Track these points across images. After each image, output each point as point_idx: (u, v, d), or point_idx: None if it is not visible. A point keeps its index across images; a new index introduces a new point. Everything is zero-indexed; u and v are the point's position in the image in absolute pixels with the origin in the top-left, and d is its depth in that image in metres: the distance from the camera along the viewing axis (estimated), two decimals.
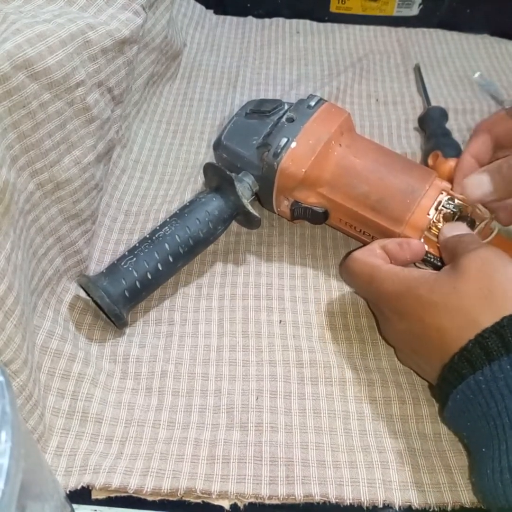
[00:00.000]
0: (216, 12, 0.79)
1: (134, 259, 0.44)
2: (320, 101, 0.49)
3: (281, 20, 0.78)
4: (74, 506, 0.35)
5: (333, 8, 0.77)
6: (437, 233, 0.43)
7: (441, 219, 0.44)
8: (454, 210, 0.44)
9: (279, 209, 0.50)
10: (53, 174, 0.42)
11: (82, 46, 0.43)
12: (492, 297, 0.34)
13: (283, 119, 0.48)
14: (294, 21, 0.78)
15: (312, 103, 0.48)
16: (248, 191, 0.48)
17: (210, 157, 0.58)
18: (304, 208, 0.48)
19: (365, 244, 0.46)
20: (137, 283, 0.43)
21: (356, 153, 0.47)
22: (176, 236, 0.45)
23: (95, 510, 0.36)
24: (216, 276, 0.49)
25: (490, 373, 0.32)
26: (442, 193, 0.45)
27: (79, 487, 0.36)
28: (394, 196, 0.45)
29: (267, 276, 0.49)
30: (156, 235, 0.45)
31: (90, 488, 0.36)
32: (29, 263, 0.41)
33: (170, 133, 0.62)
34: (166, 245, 0.45)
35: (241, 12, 0.78)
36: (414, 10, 0.76)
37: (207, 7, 0.79)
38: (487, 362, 0.32)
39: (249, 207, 0.47)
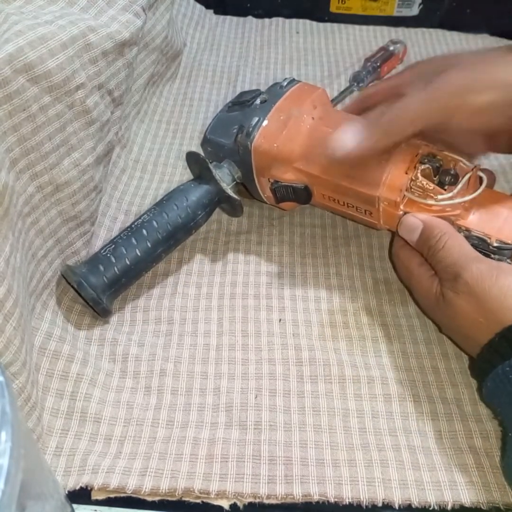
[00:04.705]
0: (216, 12, 0.79)
1: (113, 246, 0.45)
2: (294, 81, 0.49)
3: (281, 20, 0.78)
4: (74, 506, 0.35)
5: (333, 8, 0.77)
6: (420, 192, 0.42)
7: (420, 176, 0.42)
8: (433, 164, 0.42)
9: (265, 195, 0.50)
10: (52, 176, 0.43)
11: (82, 49, 0.43)
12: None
13: (257, 102, 0.48)
14: (294, 21, 0.78)
15: (285, 84, 0.49)
16: (228, 176, 0.49)
17: None
18: (285, 187, 0.48)
19: (356, 221, 0.46)
20: (116, 268, 0.44)
21: (328, 123, 0.46)
22: (154, 222, 0.46)
23: (95, 510, 0.36)
24: (216, 275, 0.49)
25: None
26: (421, 150, 0.43)
27: (77, 487, 0.36)
28: (368, 159, 0.43)
29: (267, 275, 0.49)
30: (135, 223, 0.46)
31: (89, 488, 0.36)
32: (27, 265, 0.41)
33: (170, 133, 0.62)
34: (144, 231, 0.46)
35: (241, 12, 0.78)
36: (414, 10, 0.76)
37: (207, 7, 0.78)
38: None
39: (229, 190, 0.48)
